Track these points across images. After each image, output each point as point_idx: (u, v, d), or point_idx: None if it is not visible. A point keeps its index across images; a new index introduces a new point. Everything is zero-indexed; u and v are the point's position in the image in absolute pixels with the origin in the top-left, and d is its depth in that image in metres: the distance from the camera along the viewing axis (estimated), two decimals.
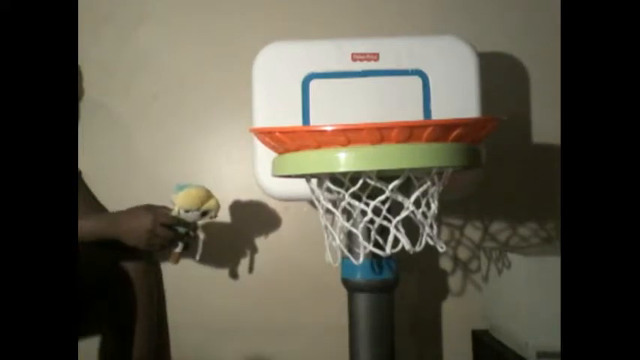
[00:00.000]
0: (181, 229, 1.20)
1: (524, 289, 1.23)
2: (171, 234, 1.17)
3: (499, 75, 1.53)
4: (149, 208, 1.16)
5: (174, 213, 1.18)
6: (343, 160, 0.89)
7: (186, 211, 1.18)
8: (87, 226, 1.09)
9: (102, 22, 1.56)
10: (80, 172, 1.29)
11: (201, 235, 1.25)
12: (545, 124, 1.53)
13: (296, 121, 1.18)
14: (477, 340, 1.48)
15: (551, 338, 1.13)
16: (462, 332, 1.51)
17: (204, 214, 1.21)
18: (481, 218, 1.54)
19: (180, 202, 1.18)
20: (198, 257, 1.25)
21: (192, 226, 1.22)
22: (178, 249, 1.22)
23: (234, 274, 1.54)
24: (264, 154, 1.11)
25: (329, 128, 0.88)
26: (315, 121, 1.18)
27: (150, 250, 1.16)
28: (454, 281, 1.54)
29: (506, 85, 1.55)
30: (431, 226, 1.00)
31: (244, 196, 1.54)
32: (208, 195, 1.21)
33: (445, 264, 1.54)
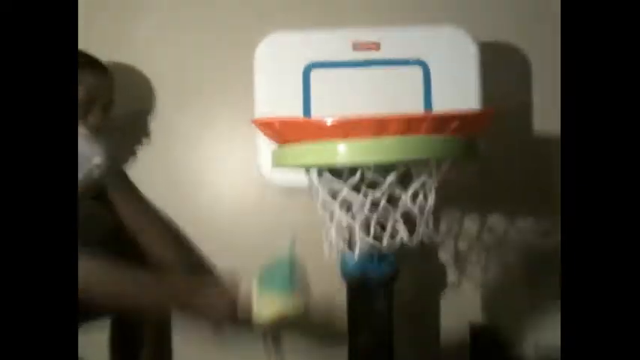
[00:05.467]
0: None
1: (523, 288, 1.22)
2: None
3: (500, 65, 1.51)
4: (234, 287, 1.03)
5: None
6: (341, 152, 0.88)
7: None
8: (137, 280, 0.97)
9: (99, 14, 1.55)
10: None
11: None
12: (547, 115, 1.52)
13: (297, 111, 1.17)
14: (475, 335, 1.48)
15: (551, 338, 1.13)
16: (460, 328, 1.51)
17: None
18: (480, 212, 1.53)
19: (260, 311, 1.06)
20: None
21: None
22: None
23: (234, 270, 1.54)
24: (267, 144, 1.11)
25: (328, 120, 0.88)
26: (316, 110, 1.18)
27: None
28: (453, 276, 1.53)
29: (508, 75, 1.53)
30: (429, 220, 0.99)
31: (246, 187, 1.54)
32: (293, 301, 1.06)
33: (444, 258, 1.53)
